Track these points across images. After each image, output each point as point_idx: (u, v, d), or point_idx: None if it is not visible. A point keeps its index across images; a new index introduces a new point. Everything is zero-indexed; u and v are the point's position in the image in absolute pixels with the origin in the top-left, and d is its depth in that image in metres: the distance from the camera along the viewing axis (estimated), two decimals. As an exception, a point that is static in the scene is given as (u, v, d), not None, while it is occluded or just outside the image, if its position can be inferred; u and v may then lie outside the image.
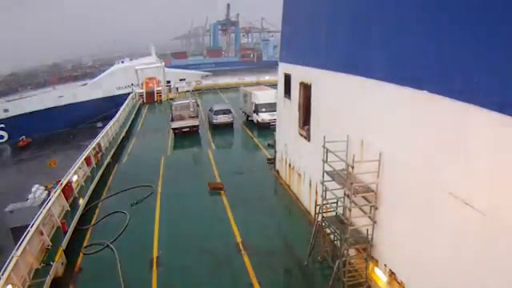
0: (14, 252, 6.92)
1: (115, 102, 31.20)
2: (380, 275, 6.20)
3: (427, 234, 4.94)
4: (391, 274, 5.84)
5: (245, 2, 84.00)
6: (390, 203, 5.74)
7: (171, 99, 29.92)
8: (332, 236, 7.23)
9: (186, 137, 18.89)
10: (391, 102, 5.61)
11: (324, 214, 7.12)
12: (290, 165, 11.15)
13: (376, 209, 6.03)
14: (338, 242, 6.79)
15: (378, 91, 5.87)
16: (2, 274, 6.26)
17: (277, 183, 12.20)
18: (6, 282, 6.25)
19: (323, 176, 6.71)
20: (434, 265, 4.82)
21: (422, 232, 5.05)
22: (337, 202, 6.88)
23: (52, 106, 35.95)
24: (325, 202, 6.89)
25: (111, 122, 19.85)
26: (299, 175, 10.35)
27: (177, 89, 34.96)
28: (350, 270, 6.47)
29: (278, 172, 12.70)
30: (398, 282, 5.64)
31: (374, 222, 6.08)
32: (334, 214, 7.00)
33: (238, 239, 8.69)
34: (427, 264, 4.94)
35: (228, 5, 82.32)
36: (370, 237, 6.22)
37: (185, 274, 7.65)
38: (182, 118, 19.31)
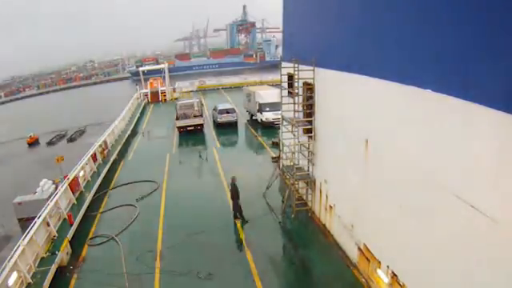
0: (20, 241, 7.05)
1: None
2: (382, 276, 6.16)
3: (429, 236, 4.88)
4: (393, 275, 5.79)
5: (245, 3, 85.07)
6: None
7: (176, 99, 30.24)
8: (288, 176, 10.06)
9: (191, 135, 19.02)
10: (395, 101, 5.57)
11: (284, 163, 10.34)
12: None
13: (313, 154, 9.25)
14: (291, 180, 9.59)
15: (381, 90, 5.84)
16: (9, 261, 6.38)
17: (282, 182, 12.19)
18: (12, 269, 6.36)
19: (281, 134, 10.05)
20: (437, 266, 4.76)
21: (425, 234, 4.98)
22: (291, 154, 9.73)
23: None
24: (283, 154, 10.25)
25: (117, 121, 20.11)
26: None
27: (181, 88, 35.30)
28: (297, 197, 9.67)
29: (282, 171, 12.71)
30: (399, 284, 5.59)
31: (313, 164, 9.28)
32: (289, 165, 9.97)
33: (242, 236, 8.74)
34: (429, 266, 4.88)
35: (244, 6, 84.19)
36: (309, 172, 9.47)
37: (188, 266, 7.68)
38: (186, 117, 19.50)
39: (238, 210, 9.52)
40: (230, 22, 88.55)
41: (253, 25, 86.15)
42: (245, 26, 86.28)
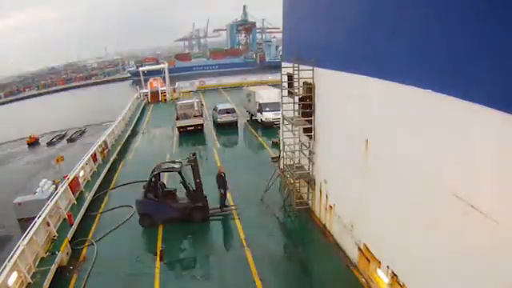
0: (20, 241, 7.06)
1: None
2: (382, 276, 6.15)
3: (429, 236, 4.88)
4: (393, 275, 5.79)
5: (245, 3, 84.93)
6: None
7: (176, 99, 30.25)
8: (288, 175, 10.18)
9: (191, 135, 19.02)
10: (395, 101, 5.55)
11: (285, 163, 10.38)
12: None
13: (313, 153, 9.19)
14: (292, 179, 9.73)
15: (381, 90, 5.83)
16: (9, 261, 6.38)
17: (282, 182, 12.17)
18: (12, 269, 6.37)
19: (282, 134, 10.15)
20: (437, 266, 4.76)
21: (425, 234, 4.98)
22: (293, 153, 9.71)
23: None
24: (284, 153, 10.26)
25: (117, 121, 20.12)
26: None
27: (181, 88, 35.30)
28: (297, 195, 9.62)
29: (282, 171, 12.70)
30: (399, 284, 5.59)
31: (313, 163, 9.27)
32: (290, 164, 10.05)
33: (242, 236, 8.74)
34: (429, 266, 4.88)
35: (244, 6, 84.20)
36: (309, 171, 9.43)
37: (188, 266, 7.69)
38: (186, 117, 19.51)
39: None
40: (230, 22, 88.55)
41: (253, 25, 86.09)
42: (245, 26, 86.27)
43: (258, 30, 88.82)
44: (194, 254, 8.23)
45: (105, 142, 16.01)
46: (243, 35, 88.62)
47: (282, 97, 10.06)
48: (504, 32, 3.58)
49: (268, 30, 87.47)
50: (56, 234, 8.50)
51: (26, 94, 71.91)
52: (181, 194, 9.83)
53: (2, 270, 6.26)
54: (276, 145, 14.98)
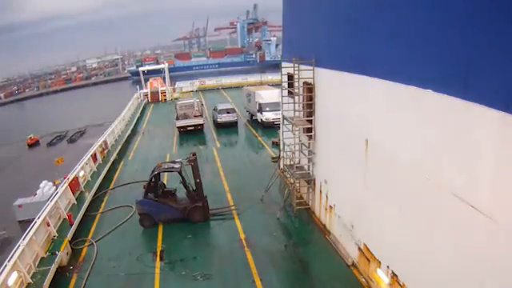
0: (20, 241, 7.06)
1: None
2: (382, 276, 6.15)
3: (429, 236, 4.88)
4: (393, 275, 5.79)
5: (245, 2, 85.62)
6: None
7: (176, 99, 30.25)
8: (288, 175, 10.36)
9: (191, 135, 19.02)
10: (395, 101, 5.54)
11: (284, 163, 10.40)
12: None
13: (313, 153, 9.21)
14: (292, 179, 9.78)
15: (381, 90, 5.82)
16: (9, 261, 6.38)
17: (282, 182, 12.17)
18: (12, 269, 6.38)
19: (282, 134, 10.26)
20: (437, 267, 4.76)
21: (425, 234, 4.98)
22: (292, 154, 9.68)
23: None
24: (284, 153, 10.32)
25: (117, 121, 20.11)
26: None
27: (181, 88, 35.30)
28: (297, 196, 9.60)
29: (282, 171, 12.70)
30: (399, 284, 5.59)
31: (313, 163, 9.30)
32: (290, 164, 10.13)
33: (242, 236, 8.74)
34: (429, 266, 4.88)
35: (255, 5, 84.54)
36: (309, 171, 9.46)
37: (189, 267, 7.69)
38: (186, 117, 19.52)
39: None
40: (239, 21, 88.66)
41: (264, 23, 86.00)
42: (255, 24, 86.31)
43: (258, 29, 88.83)
44: (194, 253, 8.22)
45: (105, 141, 16.01)
46: (253, 33, 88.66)
47: (281, 97, 10.06)
48: (504, 32, 3.57)
49: (269, 29, 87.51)
50: (56, 234, 8.50)
51: (26, 94, 71.94)
52: (181, 194, 9.83)
53: (2, 270, 6.26)
54: (276, 145, 14.98)
